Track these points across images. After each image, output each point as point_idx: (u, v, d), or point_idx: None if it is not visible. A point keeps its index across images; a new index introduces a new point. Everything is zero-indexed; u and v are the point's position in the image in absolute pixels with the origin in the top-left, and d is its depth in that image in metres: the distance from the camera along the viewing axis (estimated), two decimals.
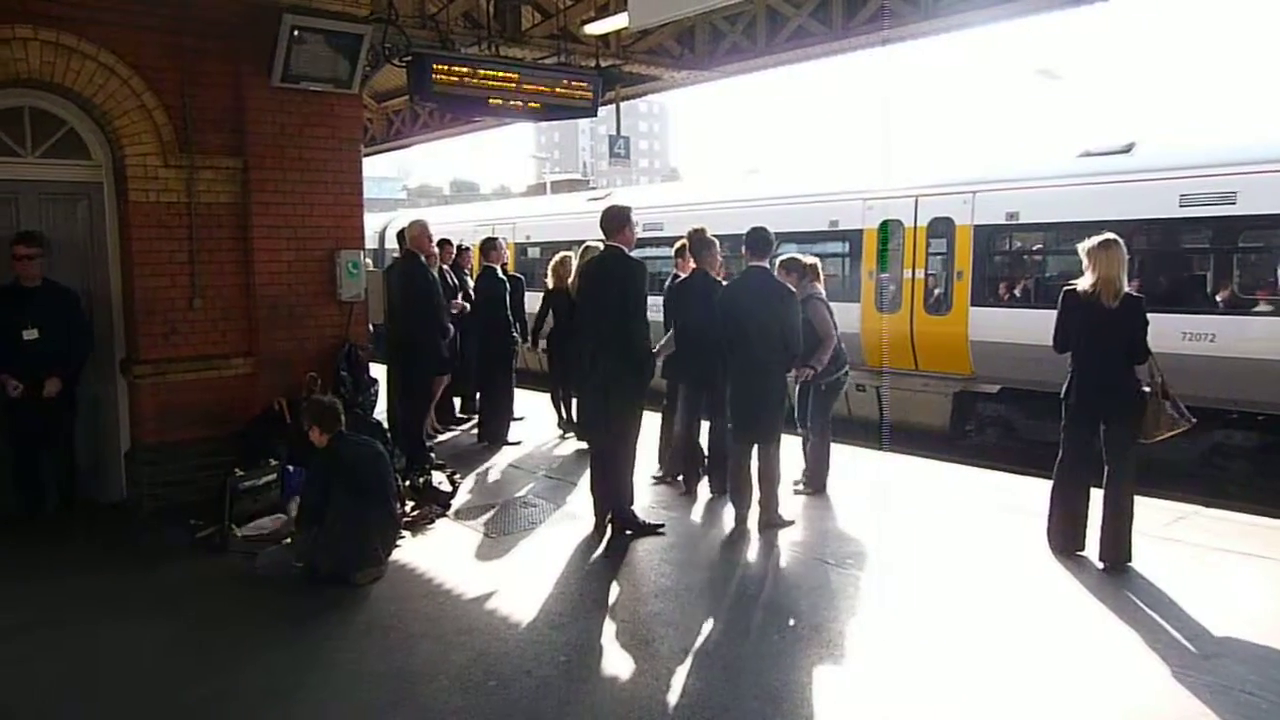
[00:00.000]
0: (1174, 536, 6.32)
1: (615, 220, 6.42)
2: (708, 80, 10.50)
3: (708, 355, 7.08)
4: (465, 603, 5.36)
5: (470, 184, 63.06)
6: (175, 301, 7.13)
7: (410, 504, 6.91)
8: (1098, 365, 5.74)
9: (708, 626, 4.95)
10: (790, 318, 6.47)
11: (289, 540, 6.01)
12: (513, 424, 9.95)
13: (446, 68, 8.04)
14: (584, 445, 8.37)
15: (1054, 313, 6.18)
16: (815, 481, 7.55)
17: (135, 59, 6.86)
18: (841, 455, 8.87)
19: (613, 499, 6.51)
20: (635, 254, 6.46)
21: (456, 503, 7.27)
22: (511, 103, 8.44)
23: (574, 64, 9.25)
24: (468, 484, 7.87)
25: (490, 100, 8.35)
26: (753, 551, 6.19)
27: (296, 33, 7.00)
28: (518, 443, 9.48)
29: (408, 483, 7.13)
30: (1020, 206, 11.15)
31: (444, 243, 10.81)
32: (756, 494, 6.68)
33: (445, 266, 10.33)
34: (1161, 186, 9.93)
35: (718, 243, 7.56)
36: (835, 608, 5.16)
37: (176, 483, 7.07)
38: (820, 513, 7.00)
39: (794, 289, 6.87)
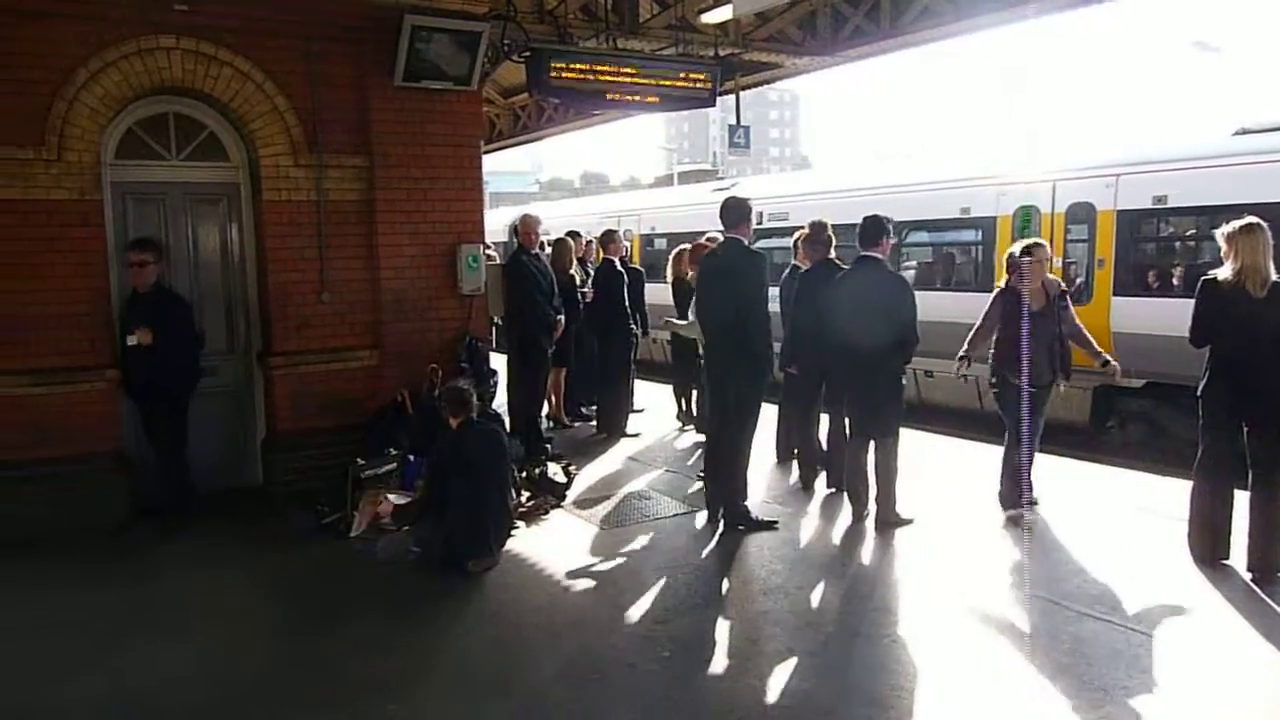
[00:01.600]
0: None
1: (735, 212, 6.33)
2: (830, 66, 10.23)
3: (825, 348, 6.90)
4: (575, 594, 5.39)
5: (600, 176, 63.81)
6: (305, 296, 7.43)
7: (525, 494, 7.00)
8: (1242, 361, 5.27)
9: (816, 627, 4.83)
10: (905, 309, 6.24)
11: (406, 528, 6.18)
12: (632, 416, 9.98)
13: (565, 64, 8.09)
14: (702, 438, 8.32)
15: None
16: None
17: (268, 64, 7.17)
18: (978, 452, 8.59)
19: (727, 494, 6.42)
20: (761, 245, 6.37)
21: (572, 494, 7.33)
22: (629, 96, 8.44)
23: (692, 54, 9.16)
24: (584, 476, 7.91)
25: (609, 95, 8.37)
26: (867, 551, 6.01)
27: (417, 32, 7.15)
28: (636, 435, 9.49)
29: (524, 474, 7.23)
30: (1168, 190, 10.47)
31: (573, 234, 10.93)
32: (874, 491, 6.48)
33: (577, 258, 10.43)
34: None
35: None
36: (951, 610, 4.95)
37: (307, 469, 7.34)
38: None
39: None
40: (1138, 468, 8.53)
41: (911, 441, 8.91)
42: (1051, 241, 11.57)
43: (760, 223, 16.36)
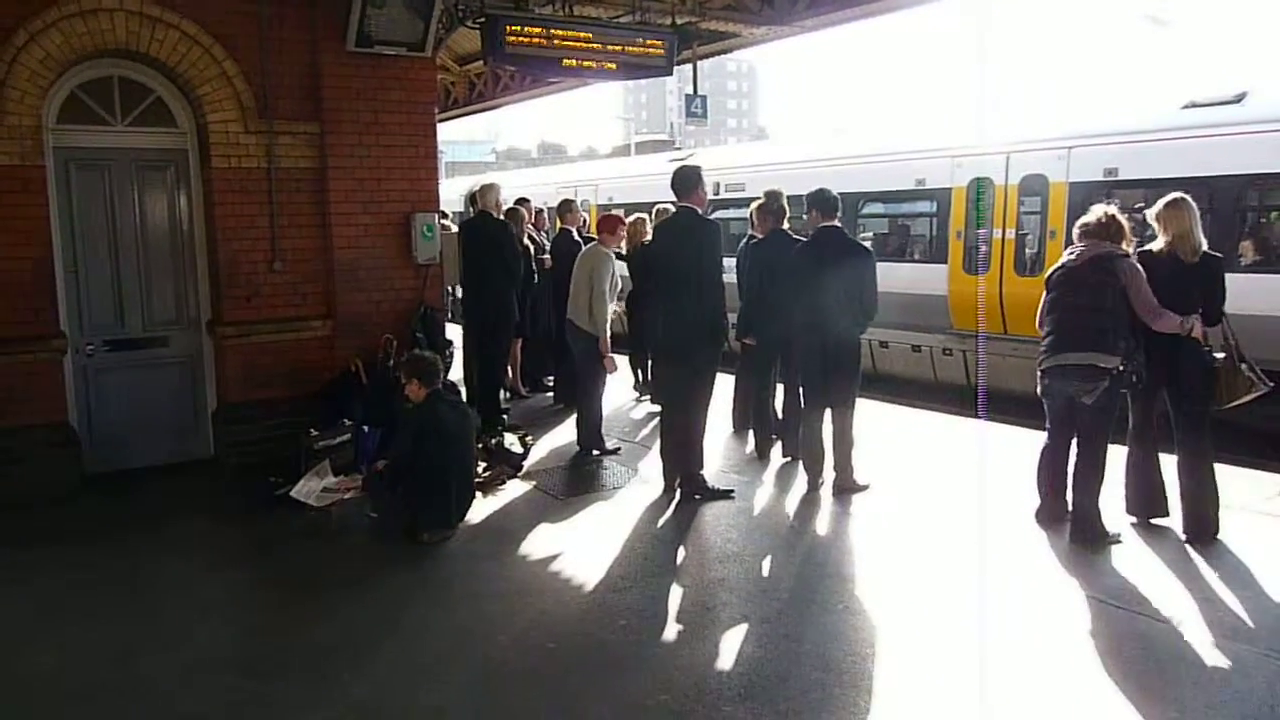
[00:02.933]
0: (1275, 511, 5.99)
1: (687, 180, 6.31)
2: (788, 36, 10.19)
3: (782, 317, 6.93)
4: (530, 564, 5.41)
5: (558, 146, 63.31)
6: (257, 265, 7.31)
7: (482, 465, 6.98)
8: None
9: (771, 594, 4.89)
10: (866, 278, 6.28)
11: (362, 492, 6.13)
12: None
13: (520, 28, 7.96)
14: (658, 409, 8.33)
15: None
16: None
17: (216, 27, 6.99)
18: (932, 420, 8.73)
19: (683, 463, 6.46)
20: (718, 215, 6.35)
21: (528, 464, 7.33)
22: (585, 63, 8.34)
23: (649, 22, 9.08)
24: (541, 446, 7.91)
25: (564, 61, 8.26)
26: (824, 518, 6.08)
27: None
28: None
29: (480, 444, 7.20)
30: (1119, 162, 10.63)
31: (522, 201, 10.85)
32: (830, 458, 6.55)
33: (531, 225, 10.38)
34: (1278, 139, 9.32)
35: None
36: (907, 577, 5.04)
37: (259, 441, 7.27)
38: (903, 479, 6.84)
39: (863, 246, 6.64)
40: None
41: (867, 410, 9.04)
42: (1005, 213, 11.76)
43: (717, 193, 16.43)
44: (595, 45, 8.30)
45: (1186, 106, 10.38)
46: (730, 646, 4.28)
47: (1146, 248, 5.58)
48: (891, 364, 13.14)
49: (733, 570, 5.21)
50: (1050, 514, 5.76)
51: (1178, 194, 5.54)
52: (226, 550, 5.67)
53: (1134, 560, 5.20)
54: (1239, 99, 9.99)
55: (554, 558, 5.45)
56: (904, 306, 12.50)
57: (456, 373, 9.41)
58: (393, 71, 7.55)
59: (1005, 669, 4.03)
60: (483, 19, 7.91)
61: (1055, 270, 5.60)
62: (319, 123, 7.39)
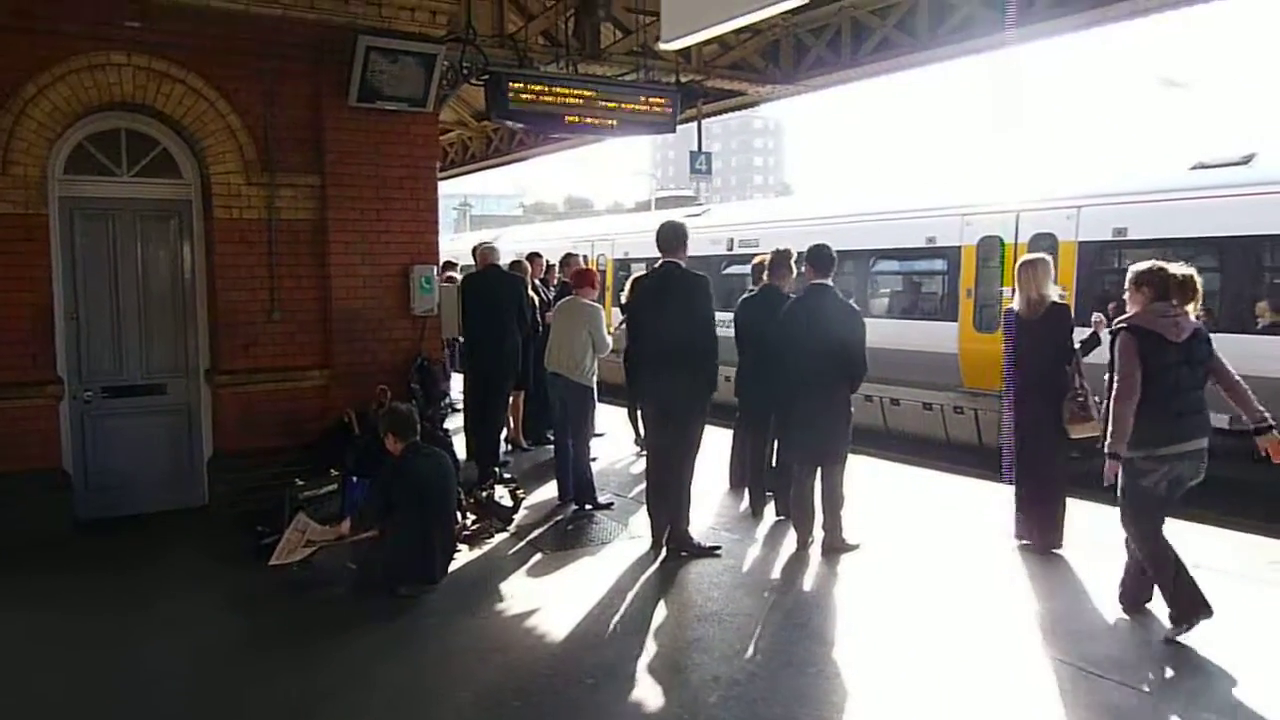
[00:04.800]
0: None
1: (672, 236, 6.33)
2: (792, 95, 10.30)
3: (777, 373, 6.88)
4: (506, 619, 5.33)
5: (584, 200, 63.97)
6: (255, 314, 7.38)
7: (471, 518, 6.94)
8: (1026, 375, 6.35)
9: (746, 655, 4.78)
10: (854, 337, 6.23)
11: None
12: (594, 440, 9.90)
13: (522, 85, 8.13)
14: None
15: None
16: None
17: (221, 82, 7.15)
18: (938, 481, 8.60)
19: (668, 520, 6.38)
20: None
21: (520, 518, 7.27)
22: (588, 119, 8.48)
23: (654, 80, 9.21)
24: (535, 499, 7.86)
25: (566, 118, 8.41)
26: (809, 578, 5.97)
27: (371, 54, 7.16)
28: (594, 459, 9.41)
29: (471, 498, 7.17)
30: (1128, 222, 10.60)
31: (533, 256, 10.94)
32: (820, 518, 6.46)
33: (538, 279, 10.46)
34: None
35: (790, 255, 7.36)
36: (886, 641, 4.92)
37: (253, 489, 7.25)
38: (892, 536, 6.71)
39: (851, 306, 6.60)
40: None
41: (872, 468, 8.98)
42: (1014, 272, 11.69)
43: (731, 249, 16.50)
44: (598, 103, 8.44)
45: (1195, 167, 10.35)
46: (695, 708, 4.17)
47: (1010, 305, 6.34)
48: (903, 421, 13.02)
49: (710, 630, 5.11)
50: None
51: (1034, 255, 6.45)
52: (201, 601, 5.62)
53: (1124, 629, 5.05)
54: (1247, 160, 9.95)
55: (531, 613, 5.37)
56: (915, 364, 12.42)
57: (456, 421, 9.47)
58: (395, 126, 7.67)
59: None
60: (487, 76, 8.06)
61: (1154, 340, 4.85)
62: (320, 175, 7.50)
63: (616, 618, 5.30)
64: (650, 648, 4.88)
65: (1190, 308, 4.97)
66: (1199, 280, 5.00)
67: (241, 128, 7.24)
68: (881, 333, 12.98)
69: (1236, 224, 9.55)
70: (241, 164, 7.27)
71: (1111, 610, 5.27)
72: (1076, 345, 6.24)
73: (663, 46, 8.66)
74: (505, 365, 8.67)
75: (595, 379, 7.82)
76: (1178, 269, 5.01)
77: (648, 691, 4.38)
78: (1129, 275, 5.16)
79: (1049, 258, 6.55)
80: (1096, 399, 6.23)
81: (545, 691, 4.38)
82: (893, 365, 12.58)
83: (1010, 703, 4.22)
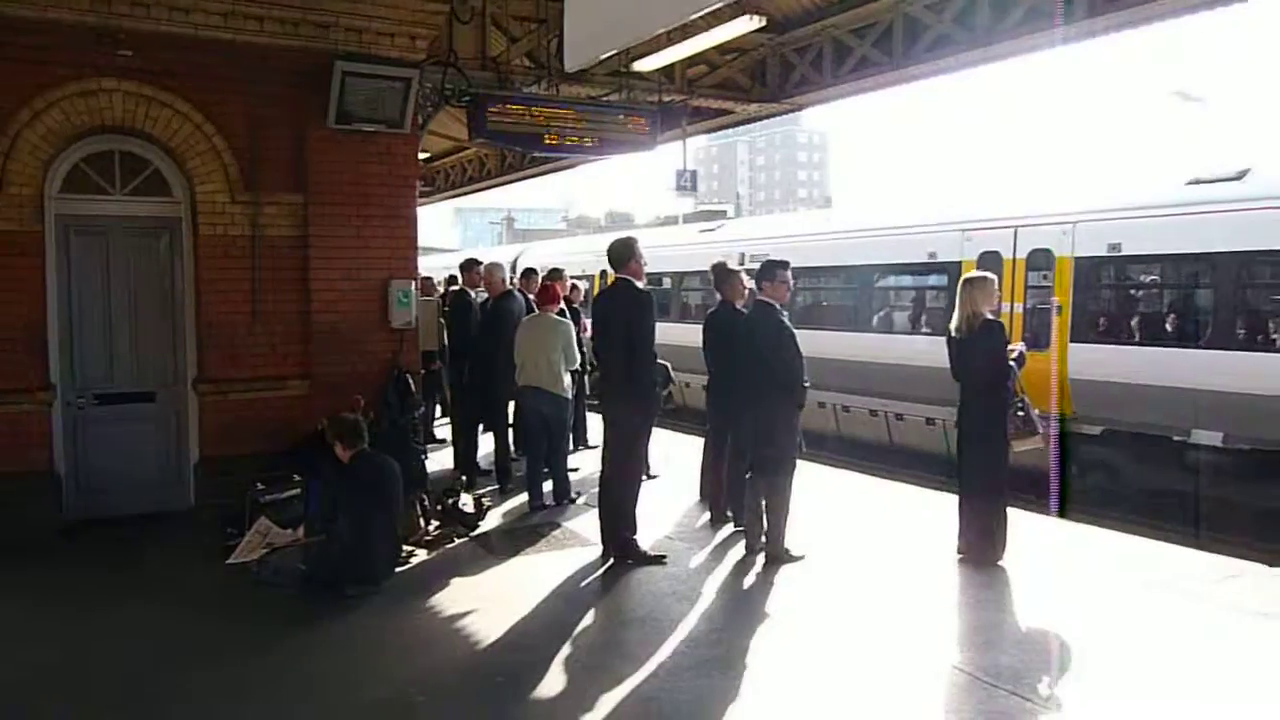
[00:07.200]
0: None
1: (621, 252, 6.54)
2: (777, 113, 10.49)
3: (732, 387, 7.05)
4: (440, 619, 5.57)
5: (625, 215, 64.37)
6: (238, 326, 7.74)
7: (435, 524, 7.19)
8: (961, 388, 6.66)
9: (658, 658, 4.93)
10: (784, 351, 6.37)
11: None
12: (583, 452, 10.13)
13: (502, 107, 8.42)
14: None
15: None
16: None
17: (207, 106, 7.55)
18: (925, 497, 8.64)
19: (616, 527, 6.57)
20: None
21: (488, 524, 7.51)
22: (568, 140, 8.75)
23: (637, 100, 9.44)
24: (507, 506, 8.10)
25: (546, 138, 8.69)
26: (743, 587, 6.11)
27: (348, 78, 7.48)
28: (575, 469, 9.62)
29: (438, 505, 7.42)
30: (1123, 237, 10.55)
31: (529, 272, 11.19)
32: (766, 526, 6.60)
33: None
34: (1276, 216, 9.19)
35: (740, 273, 7.52)
36: (799, 651, 5.06)
37: (235, 494, 7.58)
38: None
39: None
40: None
41: (858, 483, 9.10)
42: (1013, 287, 11.70)
43: (742, 263, 16.63)
44: (577, 123, 8.71)
45: (1190, 183, 10.29)
46: (591, 708, 4.35)
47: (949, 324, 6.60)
48: (906, 436, 13.04)
49: (631, 634, 5.29)
50: None
51: (975, 274, 6.77)
52: (161, 598, 5.91)
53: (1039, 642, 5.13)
54: (1240, 176, 9.88)
55: (466, 614, 5.59)
56: (919, 379, 12.44)
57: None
58: (374, 147, 7.99)
59: None
60: (468, 99, 8.36)
61: None
62: (303, 194, 7.85)
63: (547, 620, 5.51)
64: (567, 650, 5.06)
65: None
66: None
67: (226, 149, 7.62)
68: (884, 348, 13.09)
69: (1230, 240, 9.50)
70: (226, 183, 7.65)
71: (1026, 622, 5.35)
72: (1011, 362, 6.34)
73: (636, 67, 8.94)
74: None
75: (572, 391, 8.04)
76: None
77: (551, 690, 4.58)
78: None
79: (993, 277, 6.71)
80: (1038, 411, 6.36)
81: (453, 687, 4.61)
82: (895, 380, 12.64)
83: (895, 710, 4.33)
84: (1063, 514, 8.82)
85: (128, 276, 7.72)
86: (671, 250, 17.25)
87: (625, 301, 6.40)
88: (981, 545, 6.45)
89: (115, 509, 7.57)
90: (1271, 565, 6.50)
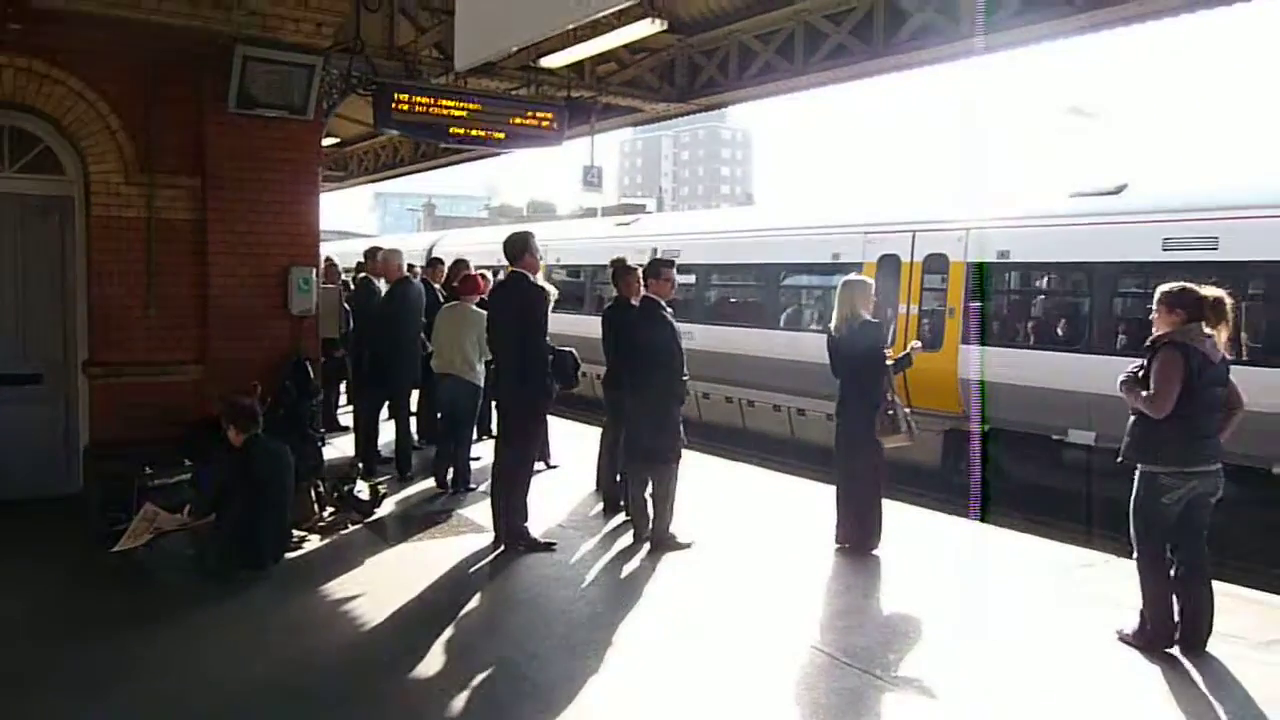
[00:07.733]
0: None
1: (516, 246, 6.66)
2: (684, 113, 10.74)
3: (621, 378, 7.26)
4: (327, 604, 5.65)
5: (548, 205, 64.17)
6: (131, 309, 7.65)
7: (330, 510, 7.24)
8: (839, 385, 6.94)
9: (536, 642, 5.09)
10: (660, 338, 6.61)
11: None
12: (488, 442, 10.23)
13: (408, 97, 8.46)
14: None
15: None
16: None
17: (101, 84, 7.43)
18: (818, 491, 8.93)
19: (506, 514, 6.71)
20: None
21: (384, 511, 7.58)
22: (473, 132, 8.82)
23: (545, 95, 9.57)
24: (406, 493, 8.18)
25: (451, 129, 8.75)
26: (625, 573, 6.31)
27: (249, 63, 7.45)
28: (477, 459, 9.73)
29: (335, 493, 7.46)
30: (1011, 245, 11.06)
31: (435, 261, 11.26)
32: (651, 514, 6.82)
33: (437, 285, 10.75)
34: (1147, 230, 9.74)
35: (638, 270, 7.72)
36: (673, 634, 5.28)
37: (125, 478, 7.49)
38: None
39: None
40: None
41: (754, 476, 9.39)
42: (909, 289, 12.16)
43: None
44: (484, 116, 8.79)
45: (1073, 195, 10.83)
46: (465, 687, 4.51)
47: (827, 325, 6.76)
48: (808, 432, 13.43)
49: (512, 618, 5.46)
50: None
51: (851, 277, 6.93)
52: (35, 580, 5.89)
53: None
54: (1118, 190, 10.45)
55: (353, 598, 5.68)
56: (821, 376, 12.81)
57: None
58: (275, 133, 7.94)
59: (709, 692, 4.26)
60: (375, 87, 8.38)
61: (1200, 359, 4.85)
62: (201, 177, 7.78)
63: (430, 604, 5.64)
64: (450, 632, 5.20)
65: (1222, 330, 4.94)
66: (1229, 304, 4.94)
67: (121, 129, 7.52)
68: (788, 345, 13.46)
69: (1107, 251, 10.04)
70: (121, 164, 7.55)
71: (889, 606, 5.68)
72: (888, 361, 6.67)
73: (543, 63, 9.07)
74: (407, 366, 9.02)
75: (483, 379, 8.14)
76: (1209, 291, 4.94)
77: (430, 670, 4.73)
78: (1157, 295, 5.08)
79: (870, 280, 7.05)
80: (907, 410, 6.70)
81: (332, 668, 4.72)
82: (800, 376, 13.01)
83: (752, 689, 4.58)
84: (947, 508, 9.24)
85: (15, 256, 7.57)
86: (588, 243, 17.42)
87: (518, 294, 6.54)
88: (858, 535, 6.75)
89: None
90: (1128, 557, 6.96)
